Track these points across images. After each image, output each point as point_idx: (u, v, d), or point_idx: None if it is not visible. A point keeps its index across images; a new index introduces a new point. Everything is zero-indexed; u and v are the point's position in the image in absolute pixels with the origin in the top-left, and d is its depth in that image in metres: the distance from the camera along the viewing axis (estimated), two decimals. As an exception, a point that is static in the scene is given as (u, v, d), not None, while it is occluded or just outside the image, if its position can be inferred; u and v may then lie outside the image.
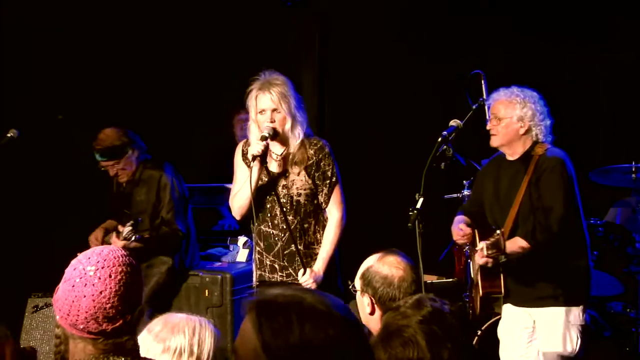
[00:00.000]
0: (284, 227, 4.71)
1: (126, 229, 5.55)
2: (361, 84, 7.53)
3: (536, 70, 6.44)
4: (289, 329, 1.91)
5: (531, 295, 4.64)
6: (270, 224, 4.78)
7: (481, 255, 4.40)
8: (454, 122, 4.52)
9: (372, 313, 3.42)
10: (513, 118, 4.62)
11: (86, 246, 6.12)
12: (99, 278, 2.42)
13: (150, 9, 7.22)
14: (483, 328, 5.43)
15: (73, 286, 2.44)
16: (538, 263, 4.56)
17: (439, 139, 4.42)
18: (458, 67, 5.35)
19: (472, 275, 4.95)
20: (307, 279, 4.68)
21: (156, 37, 7.28)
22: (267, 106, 4.64)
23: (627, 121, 6.78)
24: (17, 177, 6.80)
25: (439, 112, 4.99)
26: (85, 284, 2.42)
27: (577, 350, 4.61)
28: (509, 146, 4.69)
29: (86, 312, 2.41)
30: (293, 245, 4.71)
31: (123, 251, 2.53)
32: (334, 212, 4.79)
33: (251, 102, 4.70)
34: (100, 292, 2.41)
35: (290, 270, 4.76)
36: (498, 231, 4.26)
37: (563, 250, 4.58)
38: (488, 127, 4.69)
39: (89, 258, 2.48)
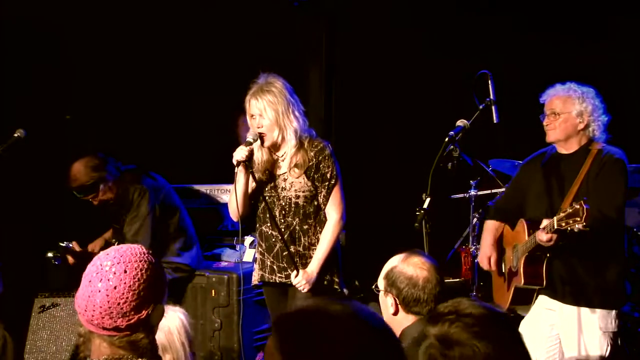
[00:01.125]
0: (282, 228, 4.73)
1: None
2: (368, 84, 7.53)
3: (537, 71, 6.44)
4: (312, 344, 1.84)
5: (566, 289, 4.58)
6: (270, 225, 4.80)
7: (546, 232, 4.35)
8: (460, 122, 4.51)
9: (395, 313, 3.41)
10: (572, 113, 4.62)
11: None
12: (114, 273, 2.43)
13: (159, 9, 7.23)
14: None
15: (90, 281, 2.45)
16: (581, 257, 4.53)
17: (446, 139, 4.41)
18: (465, 67, 5.35)
19: (503, 269, 4.90)
20: (299, 280, 4.69)
21: (163, 36, 7.29)
22: (255, 112, 4.70)
23: (632, 121, 6.76)
24: (24, 178, 6.81)
25: (446, 112, 4.98)
26: (101, 279, 2.43)
27: (606, 356, 4.50)
28: (566, 141, 4.68)
29: (100, 307, 2.41)
30: (290, 247, 4.73)
31: (144, 249, 2.53)
32: (332, 213, 4.80)
33: (245, 106, 4.76)
34: (115, 287, 2.41)
35: (289, 272, 4.78)
36: (576, 205, 4.16)
37: (607, 246, 4.55)
38: (545, 123, 4.69)
39: (108, 254, 2.50)
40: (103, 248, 5.83)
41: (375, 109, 7.63)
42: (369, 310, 1.97)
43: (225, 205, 6.75)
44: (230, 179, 6.50)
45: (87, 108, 7.33)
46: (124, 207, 5.79)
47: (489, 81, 4.66)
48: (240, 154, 4.64)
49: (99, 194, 5.71)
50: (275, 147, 4.78)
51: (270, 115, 4.65)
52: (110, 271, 2.43)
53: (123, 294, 2.41)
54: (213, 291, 5.93)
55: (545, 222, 4.39)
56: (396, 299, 3.41)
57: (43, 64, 7.08)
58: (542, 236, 4.39)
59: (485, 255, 4.85)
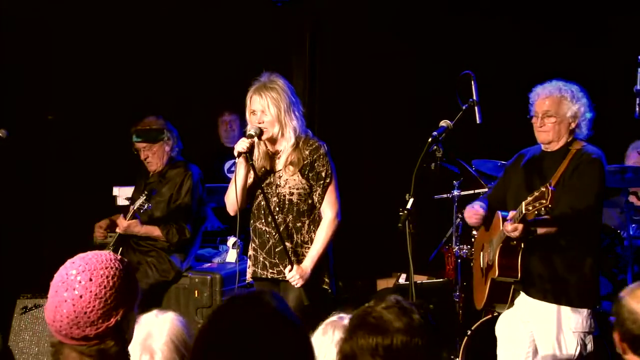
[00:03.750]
0: (275, 225, 4.76)
1: (140, 200, 5.72)
2: (351, 84, 7.53)
3: (534, 71, 6.45)
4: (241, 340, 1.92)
5: (538, 285, 4.59)
6: (264, 221, 4.85)
7: (514, 221, 4.37)
8: (444, 123, 4.51)
9: (623, 354, 2.99)
10: (567, 115, 4.62)
11: (76, 247, 6.13)
12: (80, 282, 2.38)
13: (141, 9, 7.21)
14: (473, 328, 5.43)
15: (56, 291, 2.40)
16: (553, 255, 4.54)
17: (429, 139, 4.41)
18: (449, 67, 5.36)
19: (482, 265, 4.90)
20: (293, 274, 4.71)
21: (146, 37, 7.27)
22: (257, 108, 4.76)
23: (617, 122, 6.79)
24: (6, 178, 6.78)
25: (429, 112, 4.99)
26: (67, 289, 2.38)
27: (575, 355, 4.50)
28: (557, 142, 4.69)
29: (67, 317, 2.37)
30: (283, 243, 4.74)
31: (111, 255, 2.48)
32: (327, 212, 4.83)
33: (246, 102, 4.81)
34: (81, 296, 2.37)
35: (281, 268, 4.80)
36: (542, 187, 4.17)
37: (580, 244, 4.56)
38: (539, 125, 4.66)
39: (73, 262, 2.45)
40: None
41: (358, 109, 7.64)
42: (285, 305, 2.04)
43: (207, 205, 6.75)
44: (210, 179, 6.53)
45: (70, 108, 7.30)
46: (167, 184, 5.94)
47: (472, 82, 4.67)
48: (241, 145, 4.70)
49: (155, 146, 5.96)
50: (272, 144, 4.83)
51: (272, 111, 4.73)
52: (76, 280, 2.38)
53: (89, 302, 2.36)
54: (196, 292, 5.93)
55: (511, 213, 4.42)
56: (620, 336, 2.99)
57: (25, 64, 7.05)
58: (507, 226, 4.42)
59: (472, 206, 4.85)
